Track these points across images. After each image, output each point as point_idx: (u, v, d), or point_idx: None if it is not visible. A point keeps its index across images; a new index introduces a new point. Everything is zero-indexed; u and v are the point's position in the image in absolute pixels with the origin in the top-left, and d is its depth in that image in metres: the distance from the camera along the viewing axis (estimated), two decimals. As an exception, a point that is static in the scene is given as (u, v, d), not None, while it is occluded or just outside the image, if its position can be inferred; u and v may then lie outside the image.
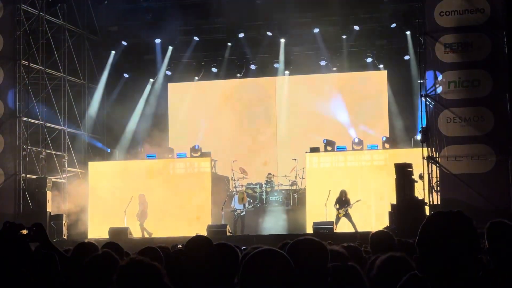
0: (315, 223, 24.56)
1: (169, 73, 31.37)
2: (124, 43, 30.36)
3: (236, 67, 31.04)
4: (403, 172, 23.03)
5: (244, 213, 26.58)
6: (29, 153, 26.69)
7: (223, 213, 26.76)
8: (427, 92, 22.96)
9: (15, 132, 26.34)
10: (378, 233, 6.99)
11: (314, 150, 27.72)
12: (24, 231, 5.09)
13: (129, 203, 26.78)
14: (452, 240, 3.23)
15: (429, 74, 23.17)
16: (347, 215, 25.31)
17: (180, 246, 7.77)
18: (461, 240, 3.24)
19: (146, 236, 26.51)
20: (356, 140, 27.73)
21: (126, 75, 31.01)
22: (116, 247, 6.28)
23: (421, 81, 23.70)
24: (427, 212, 22.57)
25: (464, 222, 3.28)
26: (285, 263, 3.48)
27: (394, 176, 23.23)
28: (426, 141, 22.98)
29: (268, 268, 3.47)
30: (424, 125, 23.08)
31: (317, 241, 4.56)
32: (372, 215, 26.33)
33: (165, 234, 26.79)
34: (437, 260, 3.22)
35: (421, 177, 23.20)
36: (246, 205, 26.79)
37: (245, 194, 27.19)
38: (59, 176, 28.21)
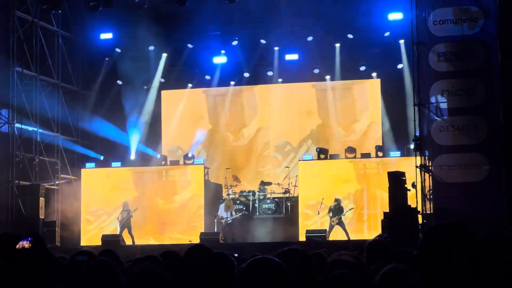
0: (308, 231, 24.62)
1: (162, 80, 31.35)
2: (117, 50, 30.34)
3: (229, 74, 31.04)
4: (396, 181, 23.08)
5: (230, 221, 26.53)
6: (22, 159, 26.66)
7: (216, 221, 26.79)
8: (420, 101, 22.99)
9: (8, 138, 26.32)
10: (374, 242, 6.99)
11: (307, 158, 27.79)
12: (27, 245, 5.08)
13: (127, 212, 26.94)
14: (454, 252, 3.21)
15: (422, 82, 23.19)
16: (340, 223, 25.37)
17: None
18: (463, 252, 3.22)
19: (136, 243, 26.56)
20: (349, 149, 27.76)
21: (119, 82, 30.96)
22: (112, 254, 6.27)
23: (415, 89, 23.72)
24: (420, 221, 22.62)
25: (465, 234, 3.27)
26: (282, 271, 3.48)
27: (387, 185, 23.28)
28: (419, 149, 22.97)
29: (265, 276, 3.46)
30: (417, 134, 23.08)
31: (301, 250, 4.56)
32: (364, 223, 26.38)
33: (157, 241, 26.87)
34: (439, 272, 3.20)
35: (414, 185, 23.22)
36: (233, 213, 26.76)
37: (232, 202, 27.19)
38: (52, 183, 28.18)
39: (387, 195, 23.26)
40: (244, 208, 27.41)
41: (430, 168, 22.81)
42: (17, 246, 5.06)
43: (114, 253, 6.46)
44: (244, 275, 3.50)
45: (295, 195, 27.72)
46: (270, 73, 30.59)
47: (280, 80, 30.71)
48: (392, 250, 6.67)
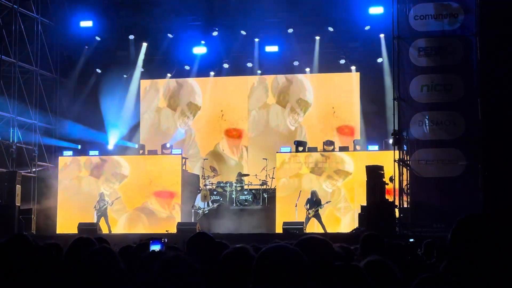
0: (285, 223, 24.62)
1: (142, 69, 31.26)
2: (97, 38, 30.23)
3: (209, 65, 31.00)
4: (374, 174, 23.18)
5: (207, 211, 26.57)
6: (-1, 146, 26.56)
7: (193, 211, 26.82)
8: (400, 95, 23.09)
9: (-15, 125, 26.23)
10: (369, 235, 7.03)
11: (285, 150, 27.80)
12: None
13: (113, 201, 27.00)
14: (490, 244, 3.23)
15: (402, 77, 23.28)
16: (316, 216, 25.42)
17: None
18: (499, 244, 3.24)
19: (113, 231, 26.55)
20: (328, 142, 27.80)
21: (98, 71, 30.85)
22: (106, 242, 6.28)
23: (394, 84, 23.82)
24: (397, 215, 22.74)
25: (497, 226, 3.29)
26: (300, 259, 3.49)
27: (365, 178, 23.38)
28: (398, 144, 23.08)
29: (284, 264, 3.47)
30: (396, 128, 23.17)
31: (321, 239, 4.59)
32: (341, 216, 26.47)
33: (135, 230, 26.82)
34: (473, 262, 3.22)
35: (391, 179, 23.34)
36: (210, 203, 26.79)
37: (209, 192, 27.24)
38: (29, 170, 28.06)
39: (365, 188, 23.35)
40: (221, 199, 27.44)
41: (408, 162, 22.93)
42: None
43: (107, 240, 6.47)
44: (263, 261, 3.49)
45: (273, 187, 27.77)
46: (249, 65, 30.59)
47: (259, 71, 30.73)
48: (386, 243, 6.71)
